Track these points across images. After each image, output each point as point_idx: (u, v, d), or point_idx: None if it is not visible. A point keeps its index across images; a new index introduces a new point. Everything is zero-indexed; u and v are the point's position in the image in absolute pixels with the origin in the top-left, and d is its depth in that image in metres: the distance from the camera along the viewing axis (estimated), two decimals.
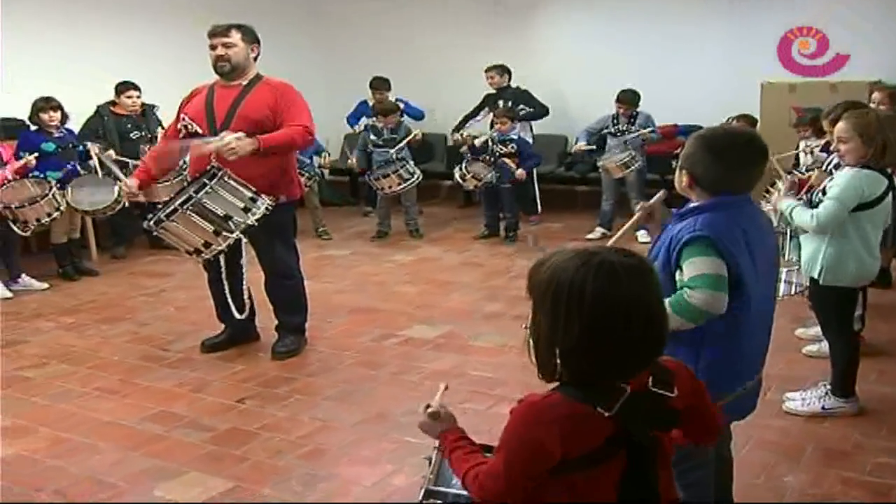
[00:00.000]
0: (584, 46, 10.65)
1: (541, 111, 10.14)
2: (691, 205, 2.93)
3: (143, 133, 8.94)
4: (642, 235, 8.28)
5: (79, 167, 8.17)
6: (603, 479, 2.04)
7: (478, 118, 10.28)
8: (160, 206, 5.31)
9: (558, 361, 2.02)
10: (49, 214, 7.48)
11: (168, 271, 8.32)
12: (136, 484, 4.03)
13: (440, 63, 11.33)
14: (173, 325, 6.57)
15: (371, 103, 10.41)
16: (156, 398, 5.10)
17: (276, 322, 5.83)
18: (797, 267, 4.87)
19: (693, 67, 10.15)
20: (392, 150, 9.35)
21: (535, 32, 11.08)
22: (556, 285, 2.00)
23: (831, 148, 4.84)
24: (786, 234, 5.18)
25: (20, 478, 4.15)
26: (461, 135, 9.67)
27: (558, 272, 2.01)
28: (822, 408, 4.53)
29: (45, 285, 7.86)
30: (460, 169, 9.14)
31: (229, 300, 5.56)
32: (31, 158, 7.64)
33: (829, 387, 4.56)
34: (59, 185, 7.66)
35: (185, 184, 6.58)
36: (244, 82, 5.47)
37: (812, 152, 6.63)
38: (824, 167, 5.41)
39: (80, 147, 8.27)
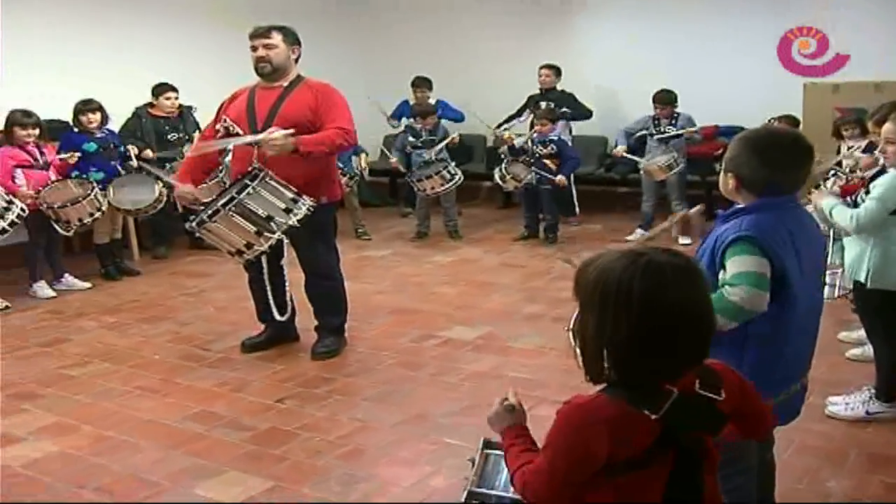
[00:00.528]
0: (625, 47, 10.58)
1: (584, 114, 10.09)
2: (737, 206, 2.90)
3: (181, 134, 9.00)
4: (683, 239, 8.22)
5: (120, 167, 8.24)
6: (649, 483, 2.02)
7: (521, 118, 10.25)
8: (202, 207, 5.33)
9: (606, 363, 2.01)
10: (91, 214, 7.54)
11: (208, 271, 8.37)
12: (177, 482, 4.05)
13: (481, 64, 11.33)
14: (213, 325, 6.60)
15: (412, 103, 10.43)
16: (196, 397, 5.13)
17: (316, 323, 5.84)
18: (840, 269, 4.81)
19: (734, 67, 10.07)
20: (431, 152, 9.35)
21: (575, 33, 11.04)
22: (603, 286, 1.99)
23: (877, 150, 4.77)
24: (829, 236, 5.12)
25: (63, 474, 4.18)
26: (503, 134, 9.62)
27: (605, 272, 2.00)
28: (867, 412, 4.48)
29: (88, 285, 7.93)
30: (500, 170, 9.12)
31: (270, 301, 5.58)
32: (74, 154, 7.71)
33: (873, 391, 4.51)
34: (100, 186, 7.73)
35: (223, 185, 6.65)
36: (285, 84, 5.48)
37: (853, 153, 6.55)
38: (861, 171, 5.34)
39: (122, 147, 8.34)
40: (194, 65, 9.99)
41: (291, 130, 5.17)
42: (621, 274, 1.97)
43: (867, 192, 4.32)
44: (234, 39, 10.23)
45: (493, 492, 2.42)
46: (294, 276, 5.70)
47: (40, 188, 7.43)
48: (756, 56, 10.04)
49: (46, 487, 4.06)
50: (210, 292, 7.61)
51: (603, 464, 1.99)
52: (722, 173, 2.97)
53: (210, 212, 5.14)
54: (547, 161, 9.00)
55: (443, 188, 9.17)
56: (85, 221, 7.56)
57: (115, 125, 8.58)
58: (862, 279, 4.33)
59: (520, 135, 9.40)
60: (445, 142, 9.41)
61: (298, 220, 5.17)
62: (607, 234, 9.39)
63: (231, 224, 5.10)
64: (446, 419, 4.64)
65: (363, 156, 9.83)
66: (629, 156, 9.15)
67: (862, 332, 4.91)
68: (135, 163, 8.27)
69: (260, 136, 5.18)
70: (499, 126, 10.15)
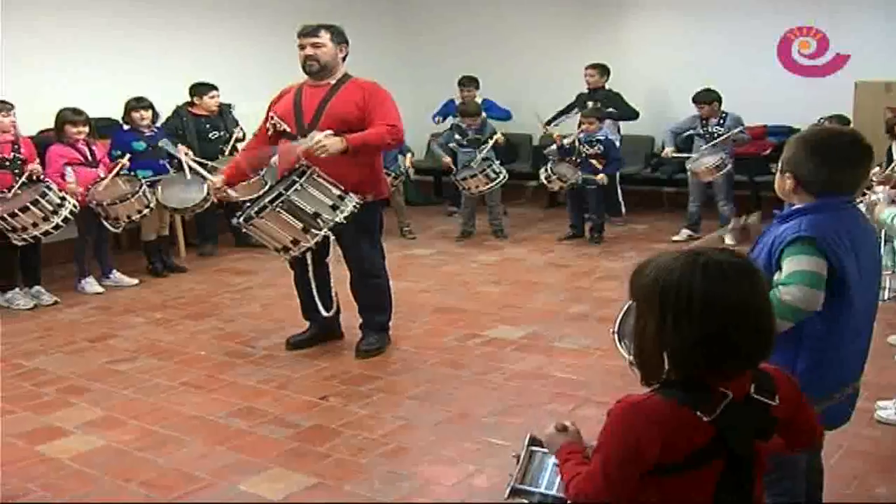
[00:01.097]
0: (673, 46, 10.51)
1: (630, 114, 10.03)
2: (795, 206, 2.87)
3: (222, 133, 9.05)
4: (730, 238, 8.14)
5: (168, 166, 8.31)
6: (698, 486, 2.00)
7: (570, 114, 10.19)
8: (249, 204, 5.35)
9: (665, 365, 1.99)
10: (139, 212, 7.61)
11: (254, 269, 8.42)
12: (221, 478, 4.07)
13: (528, 63, 11.30)
14: (259, 322, 6.64)
15: (458, 102, 10.42)
16: (241, 394, 5.16)
17: (361, 320, 5.84)
18: (891, 272, 4.74)
19: (783, 66, 9.98)
20: (476, 151, 9.34)
21: (624, 32, 10.96)
22: (661, 287, 1.97)
23: None
24: (879, 238, 5.04)
25: (110, 468, 4.22)
26: (553, 132, 9.56)
27: (663, 273, 1.98)
28: None
29: (135, 281, 8.01)
30: (546, 170, 9.08)
31: (316, 298, 5.59)
32: (124, 161, 7.78)
33: None
34: (149, 184, 7.80)
35: (265, 182, 6.68)
36: (332, 81, 5.49)
37: None
38: None
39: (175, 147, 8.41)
40: (237, 62, 10.06)
41: (329, 132, 5.18)
42: (681, 274, 1.96)
43: None
44: (275, 37, 10.33)
45: (537, 490, 2.40)
46: (339, 273, 5.71)
47: (90, 185, 7.52)
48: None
49: (93, 480, 4.10)
50: (255, 290, 7.65)
51: (653, 465, 1.97)
52: (778, 174, 2.93)
53: (257, 208, 5.16)
54: (593, 161, 8.95)
55: (487, 187, 9.16)
56: (133, 219, 7.64)
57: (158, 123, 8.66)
58: None
59: (567, 135, 9.34)
60: (491, 142, 9.38)
61: (345, 218, 5.18)
62: (653, 235, 9.33)
63: (278, 220, 5.12)
64: (490, 419, 4.63)
65: (409, 155, 9.83)
66: (678, 155, 9.07)
67: None
68: (185, 163, 8.34)
69: (302, 147, 5.20)
70: (548, 122, 10.12)
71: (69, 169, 7.53)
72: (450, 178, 9.80)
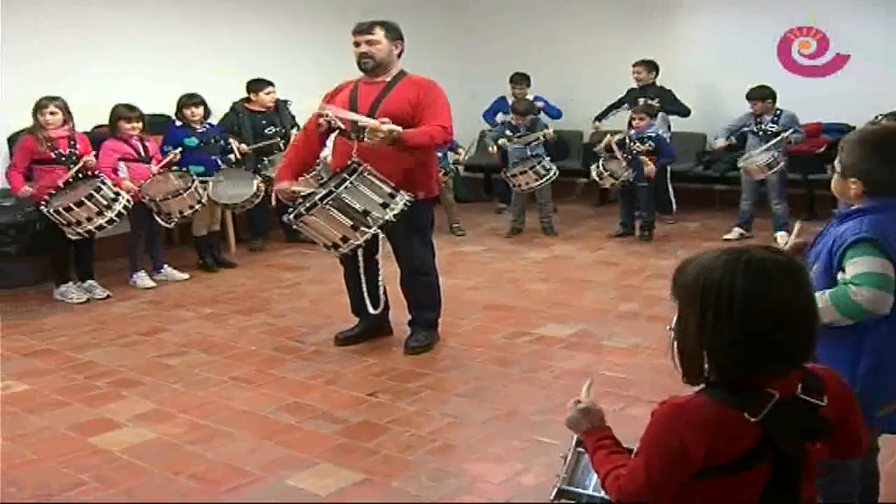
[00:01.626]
0: (726, 42, 10.41)
1: (682, 111, 9.94)
2: (854, 206, 2.82)
3: (278, 128, 9.11)
4: (781, 237, 8.06)
5: (220, 162, 8.38)
6: (744, 489, 1.97)
7: (619, 111, 10.12)
8: (300, 201, 5.37)
9: (706, 364, 1.96)
10: (191, 207, 7.68)
11: (303, 265, 8.46)
12: (269, 472, 4.09)
13: (579, 60, 11.24)
14: (308, 317, 6.66)
15: (510, 100, 10.40)
16: (290, 389, 5.18)
17: (410, 317, 5.84)
18: None
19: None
20: (527, 148, 9.32)
21: (675, 29, 10.88)
22: (703, 285, 1.95)
23: None
24: None
25: (160, 461, 4.25)
26: (605, 136, 9.49)
27: (705, 271, 1.96)
28: None
29: (186, 276, 8.08)
30: (597, 167, 9.03)
31: (365, 295, 5.60)
32: (176, 153, 7.86)
33: None
34: (200, 179, 7.86)
35: (320, 179, 6.69)
36: (388, 79, 5.49)
37: None
38: None
39: (222, 142, 8.48)
40: (290, 59, 10.10)
41: (399, 129, 5.15)
42: (723, 273, 1.93)
43: None
44: (329, 33, 10.35)
45: (585, 491, 2.37)
46: (389, 269, 5.72)
47: (142, 181, 7.59)
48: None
49: (144, 473, 4.13)
50: (305, 285, 7.69)
51: (699, 467, 1.95)
52: (838, 177, 2.88)
53: (308, 205, 5.17)
54: (644, 157, 8.88)
55: (537, 183, 9.13)
56: (185, 214, 7.71)
57: (214, 120, 8.73)
58: None
59: (618, 132, 9.27)
60: (540, 134, 9.34)
61: (395, 215, 5.17)
62: (704, 233, 9.24)
63: (328, 218, 5.13)
64: (538, 417, 4.60)
65: (460, 151, 9.83)
66: (724, 144, 8.95)
67: None
68: (235, 156, 8.41)
69: (370, 120, 5.17)
70: (598, 118, 10.06)
71: (122, 164, 7.61)
72: (500, 174, 9.78)
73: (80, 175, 7.18)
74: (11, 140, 8.05)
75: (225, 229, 9.07)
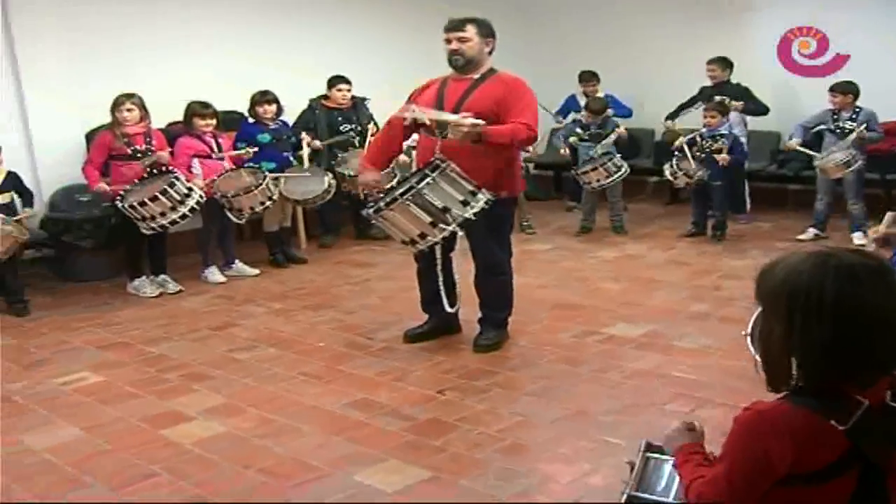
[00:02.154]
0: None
1: (760, 109, 9.76)
2: None
3: (354, 126, 9.15)
4: (857, 238, 7.90)
5: (291, 158, 8.44)
6: (830, 498, 1.90)
7: (691, 109, 9.98)
8: (381, 195, 5.37)
9: (794, 371, 1.91)
10: (262, 203, 7.74)
11: (373, 261, 8.48)
12: (338, 468, 4.10)
13: (651, 57, 11.09)
14: (377, 314, 6.67)
15: (580, 99, 10.33)
16: (358, 385, 5.19)
17: (480, 315, 5.82)
18: None
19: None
20: (598, 147, 9.25)
21: (750, 25, 10.70)
22: (791, 289, 1.89)
23: None
24: None
25: (229, 454, 4.30)
26: (674, 127, 9.39)
27: (793, 275, 1.90)
28: None
29: (257, 271, 8.15)
30: (671, 166, 8.91)
31: (441, 291, 5.57)
32: (249, 150, 7.94)
33: None
34: (272, 176, 7.92)
35: (393, 175, 6.71)
36: (476, 76, 5.46)
37: None
38: None
39: (294, 138, 8.54)
40: (369, 57, 10.13)
41: (482, 122, 5.13)
42: (810, 276, 1.87)
43: None
44: (407, 31, 10.42)
45: (653, 497, 2.34)
46: (461, 267, 5.69)
47: (215, 177, 7.67)
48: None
49: (213, 465, 4.17)
50: (374, 282, 7.71)
51: (783, 475, 1.90)
52: None
53: (388, 200, 5.17)
54: (716, 156, 8.74)
55: (608, 181, 9.06)
56: (256, 210, 7.77)
57: (289, 117, 8.80)
58: None
59: (690, 130, 9.16)
60: (613, 136, 9.27)
61: (475, 213, 5.13)
62: (777, 233, 9.08)
63: (407, 213, 5.11)
64: (607, 417, 4.56)
65: (529, 149, 9.79)
66: (802, 149, 8.77)
67: None
68: (306, 151, 8.47)
69: (453, 117, 5.16)
70: (669, 117, 9.95)
71: (196, 161, 7.70)
72: (570, 173, 9.72)
73: (155, 171, 7.28)
74: (89, 137, 8.20)
75: (296, 225, 9.14)
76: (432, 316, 5.91)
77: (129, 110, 7.32)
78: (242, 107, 8.59)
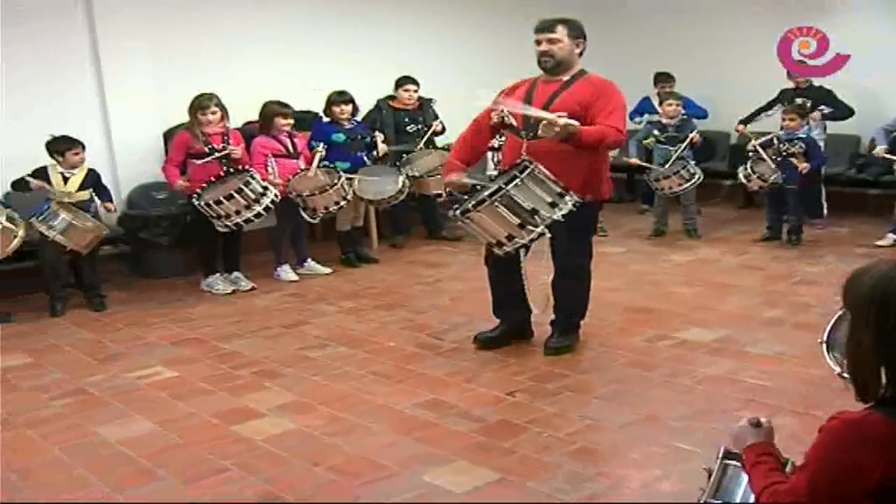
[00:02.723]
0: (884, 40, 10.04)
1: (845, 112, 9.55)
2: None
3: (420, 126, 9.17)
4: None
5: (365, 158, 8.48)
6: None
7: (769, 112, 9.83)
8: (468, 197, 5.35)
9: (883, 381, 1.87)
10: (336, 203, 7.79)
11: (444, 262, 8.49)
12: (406, 467, 4.11)
13: (727, 59, 10.96)
14: (448, 314, 6.67)
15: (654, 100, 10.24)
16: (428, 385, 5.20)
17: (553, 317, 5.78)
18: None
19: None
20: (673, 150, 9.15)
21: (830, 26, 10.53)
22: (881, 297, 1.85)
23: None
24: None
25: (299, 451, 4.33)
26: (748, 135, 9.27)
27: (883, 282, 1.86)
28: None
29: (328, 270, 8.20)
30: (745, 169, 8.79)
31: (527, 293, 5.52)
32: (320, 150, 7.98)
33: None
34: (346, 175, 7.96)
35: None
36: (565, 77, 5.41)
37: None
38: None
39: (368, 138, 8.59)
40: (439, 58, 10.16)
41: (576, 122, 5.07)
42: None
43: None
44: (478, 32, 10.42)
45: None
46: (532, 268, 5.67)
47: (290, 176, 7.74)
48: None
49: (283, 462, 4.21)
50: (445, 282, 7.71)
51: (872, 487, 1.85)
52: None
53: (475, 201, 5.13)
54: (793, 159, 8.60)
55: (681, 188, 8.97)
56: (330, 209, 7.82)
57: (358, 116, 8.85)
58: None
59: (767, 133, 9.02)
60: (689, 140, 9.16)
61: (562, 216, 5.08)
62: (855, 239, 8.90)
63: (495, 215, 5.07)
64: (678, 423, 4.51)
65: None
66: (889, 156, 8.59)
67: None
68: (380, 150, 8.51)
69: (546, 115, 5.10)
70: (744, 121, 9.81)
71: (271, 160, 7.78)
72: (643, 176, 9.64)
73: (231, 170, 7.36)
74: (167, 135, 8.34)
75: (368, 225, 9.19)
76: (504, 320, 5.88)
77: (212, 112, 7.43)
78: (311, 105, 8.65)
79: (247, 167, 7.42)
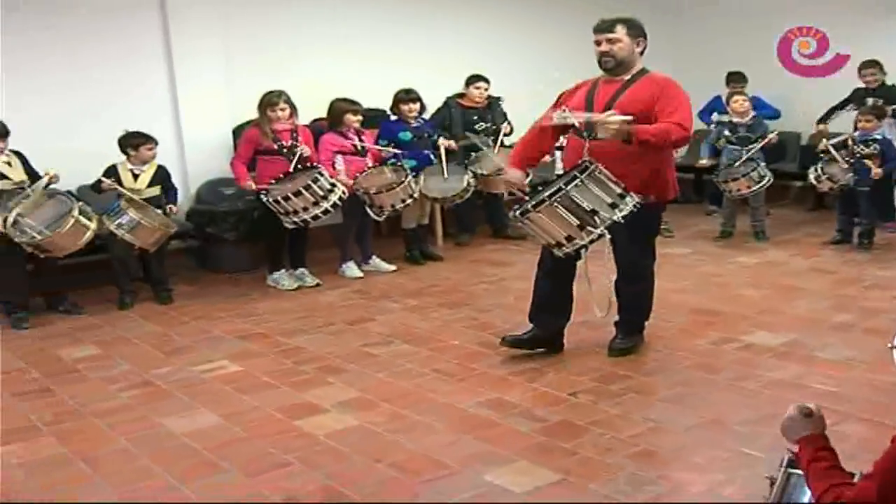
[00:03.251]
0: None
1: None
2: None
3: (488, 124, 9.16)
4: None
5: (432, 156, 8.50)
6: None
7: (842, 111, 9.66)
8: (528, 197, 5.34)
9: None
10: (403, 201, 7.81)
11: (509, 261, 8.47)
12: (467, 466, 4.10)
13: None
14: (511, 313, 6.64)
15: (724, 99, 10.13)
16: (491, 384, 5.19)
17: (617, 318, 5.75)
18: None
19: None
20: (744, 150, 9.02)
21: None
22: None
23: None
24: None
25: (361, 447, 4.35)
26: (826, 139, 9.12)
27: None
28: None
29: (393, 267, 8.23)
30: (816, 170, 8.66)
31: (572, 302, 5.47)
32: (389, 149, 8.02)
33: None
34: (413, 173, 7.99)
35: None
36: (627, 77, 5.35)
37: None
38: None
39: (434, 137, 8.60)
40: (507, 57, 10.15)
41: (630, 118, 5.03)
42: None
43: None
44: (549, 31, 10.40)
45: None
46: (595, 269, 5.63)
47: (357, 174, 7.78)
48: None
49: (345, 458, 4.23)
50: (510, 281, 7.70)
51: None
52: None
53: (535, 202, 5.10)
54: (867, 161, 8.44)
55: (749, 190, 8.83)
56: (397, 207, 7.85)
57: (426, 114, 8.86)
58: None
59: (839, 134, 8.87)
60: (763, 142, 9.02)
61: (623, 217, 5.03)
62: None
63: (555, 216, 5.03)
64: (743, 427, 4.45)
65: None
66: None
67: None
68: (443, 150, 8.52)
69: (598, 116, 5.09)
70: (821, 120, 9.66)
71: (339, 157, 7.83)
72: (711, 176, 9.53)
73: (300, 166, 7.42)
74: (235, 132, 8.44)
75: (433, 223, 9.20)
76: (537, 326, 5.75)
77: (282, 109, 7.50)
78: (383, 104, 8.69)
79: (315, 164, 7.47)
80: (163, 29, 8.41)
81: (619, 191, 5.06)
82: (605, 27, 5.35)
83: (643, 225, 5.35)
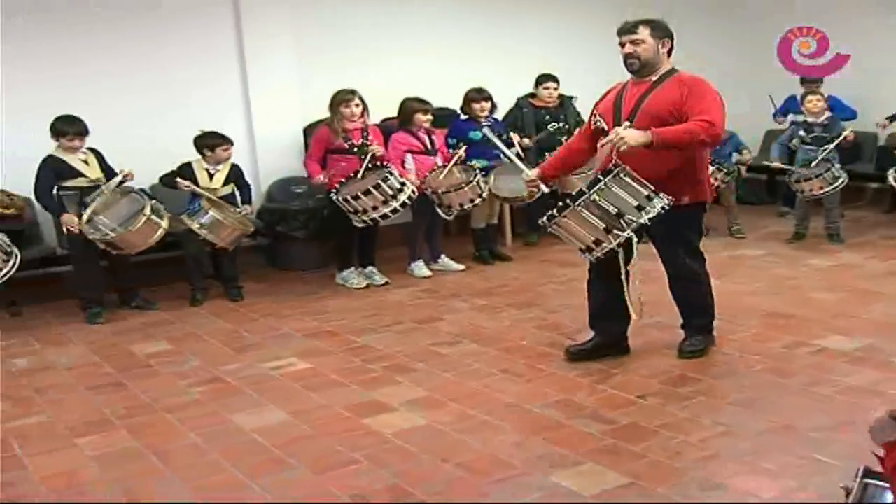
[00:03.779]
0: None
1: None
2: None
3: (561, 124, 9.12)
4: None
5: (502, 156, 8.47)
6: None
7: None
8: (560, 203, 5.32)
9: None
10: (472, 200, 7.82)
11: (578, 261, 8.28)
12: (534, 468, 4.09)
13: (877, 56, 10.59)
14: (580, 314, 6.56)
15: (799, 99, 9.98)
16: (558, 386, 5.17)
17: (682, 321, 5.71)
18: None
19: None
20: (819, 151, 8.87)
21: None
22: None
23: None
24: None
25: (428, 446, 4.36)
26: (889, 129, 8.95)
27: None
28: None
29: (462, 267, 8.24)
30: (894, 171, 8.49)
31: (628, 299, 5.42)
32: (461, 153, 8.01)
33: None
34: (482, 173, 7.98)
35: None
36: (654, 78, 5.30)
37: None
38: None
39: (505, 136, 8.58)
40: (578, 55, 10.09)
41: (628, 124, 5.04)
42: None
43: None
44: (611, 29, 10.30)
45: None
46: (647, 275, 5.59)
47: (427, 173, 7.81)
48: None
49: (412, 457, 4.24)
50: (579, 282, 7.55)
51: None
52: None
53: (560, 206, 5.12)
54: None
55: (823, 191, 8.67)
56: (465, 207, 7.86)
57: (498, 114, 8.85)
58: None
59: None
60: (838, 140, 8.86)
61: (650, 219, 4.98)
62: None
63: (580, 220, 5.04)
64: (816, 433, 4.37)
65: (744, 152, 9.54)
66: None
67: None
68: (514, 151, 8.49)
69: (609, 138, 5.05)
70: (891, 118, 9.47)
71: (409, 156, 7.87)
72: (784, 177, 9.39)
73: (370, 165, 7.45)
74: (306, 131, 8.51)
75: (502, 223, 9.19)
76: (598, 332, 5.71)
77: (356, 105, 7.55)
78: (454, 103, 8.69)
79: (385, 163, 7.50)
80: (236, 28, 8.53)
81: (646, 193, 5.02)
82: (627, 29, 5.33)
83: (681, 227, 5.33)
